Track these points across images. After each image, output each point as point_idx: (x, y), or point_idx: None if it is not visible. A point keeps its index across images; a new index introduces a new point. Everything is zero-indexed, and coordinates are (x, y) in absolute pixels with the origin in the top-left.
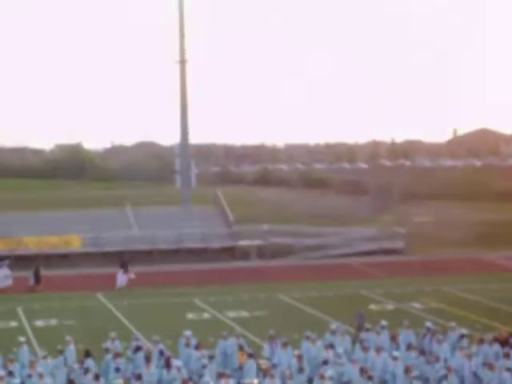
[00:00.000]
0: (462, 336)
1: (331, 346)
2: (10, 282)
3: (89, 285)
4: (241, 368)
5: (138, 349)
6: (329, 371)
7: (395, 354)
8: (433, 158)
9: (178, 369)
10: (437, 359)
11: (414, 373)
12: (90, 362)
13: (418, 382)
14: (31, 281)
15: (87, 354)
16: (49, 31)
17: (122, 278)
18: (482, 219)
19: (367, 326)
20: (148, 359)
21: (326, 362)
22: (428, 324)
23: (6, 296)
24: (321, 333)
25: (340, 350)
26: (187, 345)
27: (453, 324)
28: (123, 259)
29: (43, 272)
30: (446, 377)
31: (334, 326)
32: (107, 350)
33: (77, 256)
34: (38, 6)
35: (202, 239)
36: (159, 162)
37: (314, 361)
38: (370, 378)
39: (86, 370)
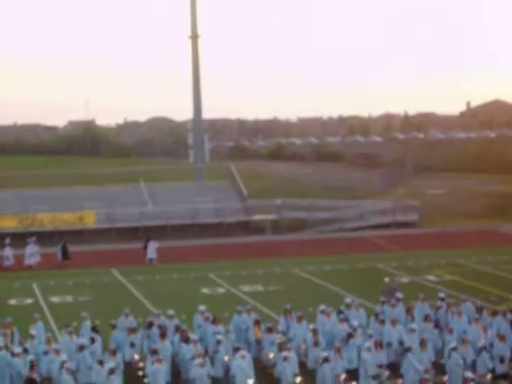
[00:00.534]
0: (481, 308)
1: (346, 319)
2: (38, 258)
3: (104, 261)
4: (258, 342)
5: (150, 324)
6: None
7: (412, 326)
8: (446, 131)
9: (195, 343)
10: (450, 331)
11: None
12: (96, 337)
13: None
14: (59, 256)
15: (94, 330)
16: (63, 7)
17: (152, 251)
18: (496, 191)
19: (383, 298)
20: (163, 334)
21: (350, 336)
22: (441, 295)
23: (21, 273)
24: (336, 307)
25: (355, 323)
26: (204, 319)
27: (464, 296)
28: (148, 235)
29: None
30: (455, 349)
31: (348, 299)
32: (113, 326)
33: (91, 232)
34: None
35: (217, 214)
36: (172, 137)
37: (328, 335)
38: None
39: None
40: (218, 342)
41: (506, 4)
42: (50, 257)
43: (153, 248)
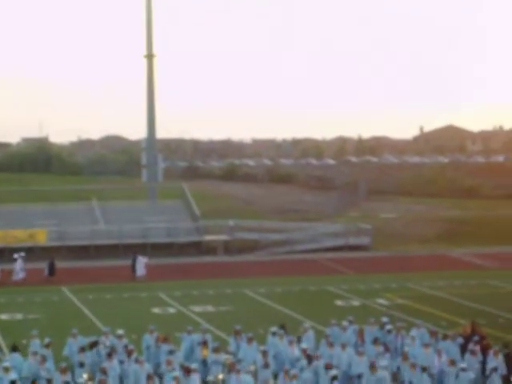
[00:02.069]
0: (436, 333)
1: (297, 341)
2: (24, 274)
3: (54, 279)
4: (205, 362)
5: (95, 344)
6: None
7: (361, 349)
8: (399, 155)
9: (141, 362)
10: (406, 355)
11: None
12: (16, 357)
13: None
14: (46, 272)
15: (14, 349)
16: (16, 23)
17: (141, 268)
18: (448, 216)
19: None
20: (110, 354)
21: (310, 358)
22: (385, 319)
23: None
24: (288, 329)
25: (304, 345)
26: (154, 339)
27: (418, 321)
28: (134, 251)
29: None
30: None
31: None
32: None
33: (42, 250)
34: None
35: (169, 234)
36: (126, 156)
37: (279, 356)
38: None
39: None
40: (168, 362)
41: (461, 30)
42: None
43: (141, 264)
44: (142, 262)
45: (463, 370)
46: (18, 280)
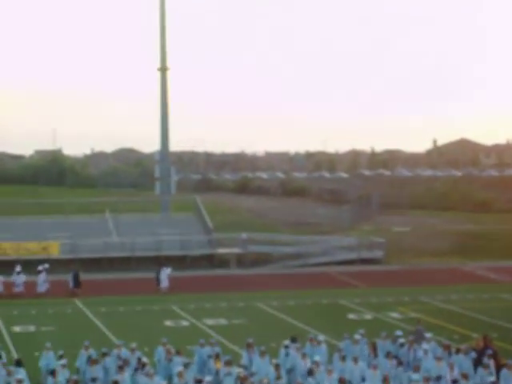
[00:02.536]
0: (448, 347)
1: (309, 355)
2: (47, 286)
3: (63, 291)
4: (217, 375)
5: (103, 355)
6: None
7: (374, 362)
8: (412, 168)
9: (150, 375)
10: (417, 368)
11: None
12: (20, 372)
13: None
14: (70, 284)
15: (18, 364)
16: (30, 34)
17: (165, 279)
18: (461, 229)
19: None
20: (121, 367)
21: (311, 372)
22: (398, 333)
23: None
24: (300, 342)
25: (317, 358)
26: (166, 352)
27: (428, 335)
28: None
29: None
30: None
31: (310, 336)
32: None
33: (55, 262)
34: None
35: (181, 247)
36: (139, 168)
37: (291, 369)
38: None
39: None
40: (180, 374)
41: (476, 43)
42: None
43: (165, 276)
44: (165, 273)
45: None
46: (42, 292)
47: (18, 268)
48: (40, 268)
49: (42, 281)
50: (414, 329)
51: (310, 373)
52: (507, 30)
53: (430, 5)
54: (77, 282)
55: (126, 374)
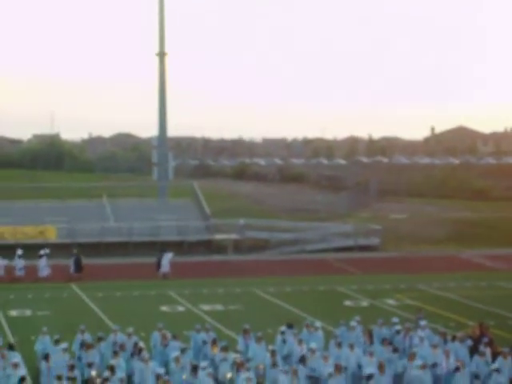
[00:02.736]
0: (445, 334)
1: (306, 341)
2: (48, 271)
3: (64, 276)
4: (213, 361)
5: (99, 339)
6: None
7: (370, 349)
8: (410, 156)
9: (146, 361)
10: (413, 356)
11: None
12: (16, 355)
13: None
14: (71, 269)
15: (11, 348)
16: (29, 20)
17: (166, 264)
18: (458, 217)
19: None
20: (116, 352)
21: (303, 358)
22: (395, 319)
23: None
24: (296, 328)
25: (313, 345)
26: (162, 337)
27: (423, 322)
28: (162, 248)
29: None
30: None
31: (307, 322)
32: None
33: (52, 247)
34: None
35: (179, 232)
36: (137, 153)
37: (288, 356)
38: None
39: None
40: (176, 359)
41: (475, 32)
42: (9, 270)
43: (166, 261)
44: (167, 258)
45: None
46: (43, 277)
47: (20, 252)
48: (41, 252)
49: (43, 265)
50: (416, 317)
51: (302, 360)
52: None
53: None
54: (78, 267)
55: (121, 359)
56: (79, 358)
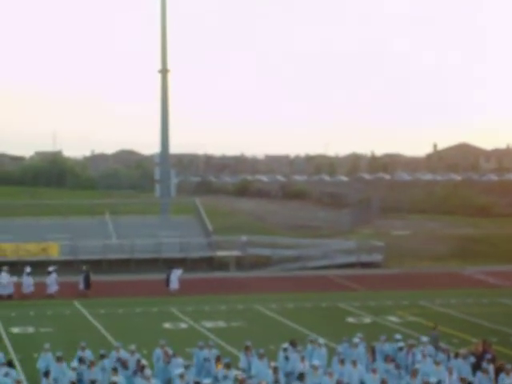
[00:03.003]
0: (447, 351)
1: (308, 357)
2: (57, 288)
3: (66, 293)
4: (216, 378)
5: (101, 357)
6: None
7: (373, 366)
8: (412, 172)
9: (148, 378)
10: (415, 373)
11: None
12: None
13: None
14: (81, 286)
15: (10, 364)
16: (32, 37)
17: (175, 280)
18: (461, 234)
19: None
20: (115, 369)
21: (301, 376)
22: (397, 336)
23: None
24: (299, 345)
25: (316, 362)
26: (165, 354)
27: (425, 339)
28: (170, 264)
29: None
30: None
31: (311, 337)
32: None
33: (55, 264)
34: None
35: (181, 249)
36: (139, 170)
37: (290, 373)
38: None
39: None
40: (181, 376)
41: (473, 48)
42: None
43: (175, 277)
44: (176, 274)
45: None
46: (52, 293)
47: (28, 269)
48: (50, 269)
49: (52, 282)
50: (431, 333)
51: (301, 377)
52: (507, 30)
53: (430, 5)
54: (88, 284)
55: (121, 376)
56: (79, 375)
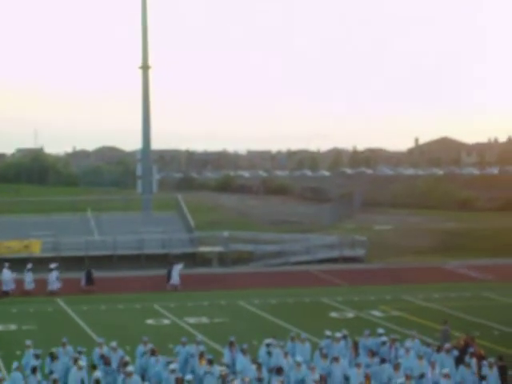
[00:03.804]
0: (429, 345)
1: (290, 353)
2: (59, 284)
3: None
4: (201, 374)
5: (79, 353)
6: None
7: (357, 361)
8: (394, 167)
9: (130, 375)
10: (398, 367)
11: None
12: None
13: None
14: (82, 282)
15: None
16: (12, 33)
17: (175, 276)
18: (443, 228)
19: (328, 333)
20: (94, 366)
21: (279, 370)
22: (380, 331)
23: None
24: (281, 340)
25: (299, 358)
26: (146, 351)
27: (412, 332)
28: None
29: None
30: None
31: (292, 333)
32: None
33: (37, 260)
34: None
35: (163, 245)
36: (121, 167)
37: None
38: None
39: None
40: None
41: (456, 41)
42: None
43: (176, 272)
44: (177, 269)
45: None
46: (53, 290)
47: (29, 265)
48: (52, 266)
49: (54, 279)
50: (441, 328)
51: (279, 372)
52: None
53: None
54: (90, 280)
55: (99, 373)
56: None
